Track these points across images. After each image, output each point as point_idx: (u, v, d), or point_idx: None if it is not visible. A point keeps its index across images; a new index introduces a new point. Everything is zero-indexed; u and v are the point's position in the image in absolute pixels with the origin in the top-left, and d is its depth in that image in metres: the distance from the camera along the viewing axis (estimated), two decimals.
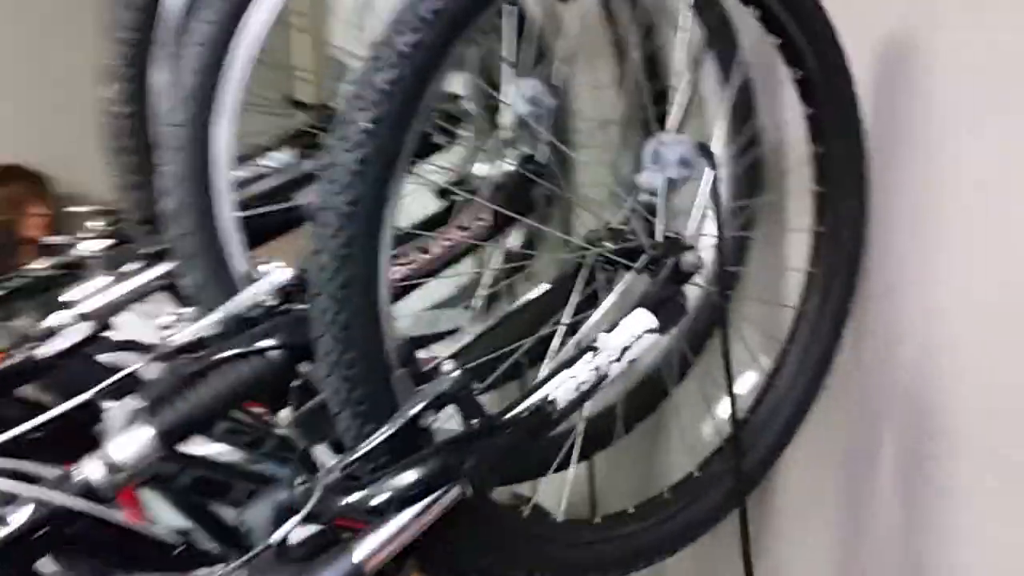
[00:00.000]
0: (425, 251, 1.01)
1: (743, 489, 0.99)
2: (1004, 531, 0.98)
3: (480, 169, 1.16)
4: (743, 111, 1.16)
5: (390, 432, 0.75)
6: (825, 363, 1.09)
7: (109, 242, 1.24)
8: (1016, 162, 0.94)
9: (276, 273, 0.97)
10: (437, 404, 0.76)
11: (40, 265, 1.43)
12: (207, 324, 0.93)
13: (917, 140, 1.04)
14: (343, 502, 0.75)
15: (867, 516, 1.12)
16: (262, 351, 0.92)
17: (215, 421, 0.91)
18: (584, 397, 0.80)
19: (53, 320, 1.01)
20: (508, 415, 0.78)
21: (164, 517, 1.16)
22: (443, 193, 1.25)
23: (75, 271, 1.35)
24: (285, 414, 0.90)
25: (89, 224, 1.31)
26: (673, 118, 0.95)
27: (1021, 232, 0.94)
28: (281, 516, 0.88)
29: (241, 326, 0.95)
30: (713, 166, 0.93)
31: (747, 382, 1.10)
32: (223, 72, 0.97)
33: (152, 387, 0.92)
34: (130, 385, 0.93)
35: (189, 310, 1.02)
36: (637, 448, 1.28)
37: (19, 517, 0.83)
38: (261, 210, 1.04)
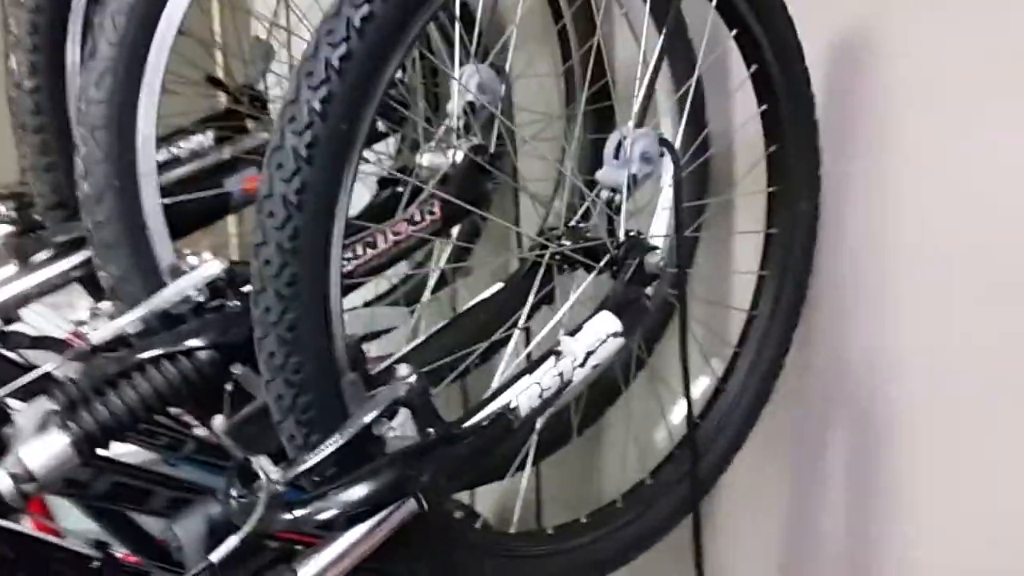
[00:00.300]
0: (372, 245, 0.95)
1: (698, 495, 0.96)
2: (948, 529, 0.98)
3: (427, 159, 1.11)
4: (695, 109, 1.13)
5: (341, 443, 0.69)
6: (776, 367, 1.07)
7: (14, 228, 1.14)
8: (968, 157, 0.93)
9: (205, 266, 0.89)
10: (391, 411, 0.70)
11: None
12: (129, 320, 0.85)
13: (869, 135, 1.03)
14: (287, 516, 0.69)
15: (813, 517, 1.11)
16: (190, 351, 0.85)
17: (137, 427, 0.83)
18: (547, 404, 0.76)
19: None
20: (468, 423, 0.73)
21: (76, 525, 1.08)
22: (384, 183, 1.19)
23: None
24: (218, 421, 0.83)
25: None
26: (636, 112, 0.91)
27: (972, 230, 0.94)
28: (217, 531, 0.81)
29: (167, 323, 0.88)
30: (677, 161, 0.90)
31: (699, 386, 1.07)
32: (148, 44, 0.89)
33: (67, 388, 0.84)
34: (42, 385, 0.85)
35: (106, 304, 0.94)
36: (579, 455, 1.24)
37: None
38: (187, 196, 0.96)
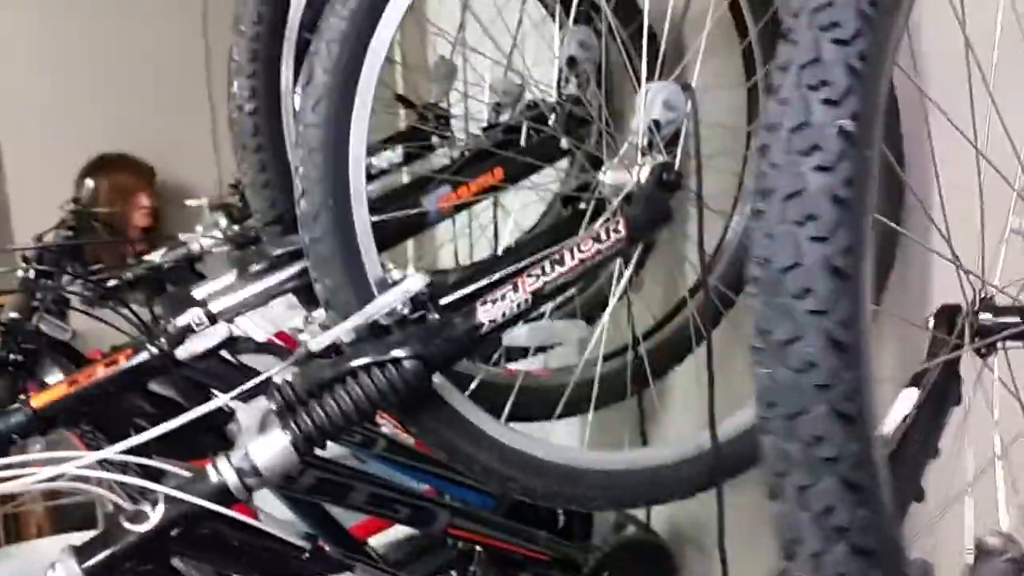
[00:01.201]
0: (559, 263, 0.98)
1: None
2: None
3: (610, 176, 1.13)
4: None
5: None
6: None
7: (232, 237, 1.25)
8: None
9: (410, 280, 0.95)
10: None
11: (156, 256, 1.45)
12: (345, 330, 0.91)
13: None
14: None
15: None
16: (397, 360, 0.91)
17: (350, 431, 0.90)
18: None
19: (186, 318, 1.01)
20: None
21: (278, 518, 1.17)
22: (567, 201, 1.23)
23: (193, 264, 1.36)
24: None
25: (210, 218, 1.32)
26: None
27: None
28: None
29: (374, 333, 0.94)
30: None
31: None
32: (360, 70, 0.95)
33: (285, 390, 0.92)
34: (262, 387, 0.93)
35: (320, 312, 1.02)
36: None
37: (154, 516, 0.84)
38: (393, 215, 1.03)
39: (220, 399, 0.83)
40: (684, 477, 1.12)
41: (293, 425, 0.87)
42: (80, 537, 0.84)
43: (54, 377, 1.19)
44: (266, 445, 0.87)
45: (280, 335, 1.13)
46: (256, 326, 1.00)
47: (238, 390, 0.85)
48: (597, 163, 1.18)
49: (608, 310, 1.16)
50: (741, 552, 1.13)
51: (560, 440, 1.33)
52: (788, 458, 0.48)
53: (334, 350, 0.94)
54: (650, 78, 1.11)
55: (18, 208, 2.89)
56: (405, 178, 1.49)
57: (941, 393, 0.69)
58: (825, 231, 0.48)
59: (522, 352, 1.32)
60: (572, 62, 1.30)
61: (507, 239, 1.56)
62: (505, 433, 1.04)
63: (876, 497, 0.48)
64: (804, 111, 0.49)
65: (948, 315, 0.72)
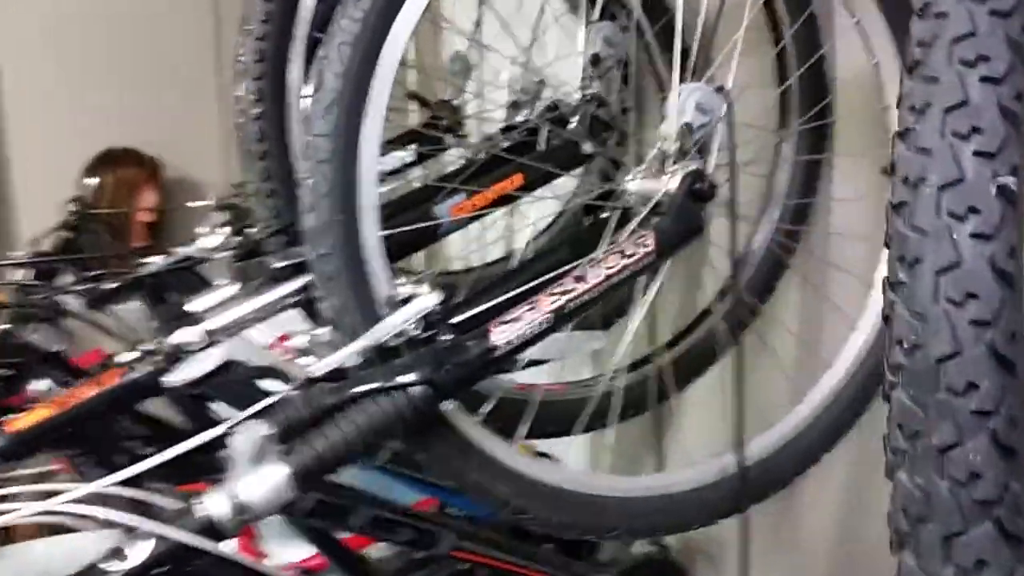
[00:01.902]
0: (582, 279, 0.91)
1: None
2: None
3: (636, 184, 1.06)
4: None
5: None
6: None
7: (233, 246, 1.18)
8: None
9: (420, 300, 0.89)
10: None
11: (158, 261, 1.39)
12: (348, 354, 0.85)
13: None
14: None
15: None
16: (404, 386, 0.84)
17: (352, 462, 0.83)
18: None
19: (180, 337, 0.94)
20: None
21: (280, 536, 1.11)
22: (589, 210, 1.16)
23: (195, 269, 1.29)
24: None
25: (213, 220, 1.25)
26: None
27: None
28: None
29: (382, 355, 0.87)
30: None
31: None
32: (373, 75, 0.89)
33: (283, 415, 0.85)
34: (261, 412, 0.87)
35: (324, 330, 0.95)
36: None
37: (139, 553, 0.78)
38: (404, 229, 0.96)
39: (214, 431, 0.76)
40: (708, 503, 1.06)
41: (290, 456, 0.81)
42: (73, 539, 0.78)
43: (45, 388, 1.13)
44: (263, 477, 0.80)
45: (284, 338, 1.07)
46: (256, 347, 0.94)
47: (234, 421, 0.78)
48: (616, 170, 1.11)
49: (633, 326, 1.09)
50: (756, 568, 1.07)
51: (568, 460, 1.27)
52: None
53: (341, 375, 0.87)
54: (681, 79, 1.04)
55: (24, 201, 2.84)
56: (417, 181, 1.42)
57: None
58: (989, 313, 0.40)
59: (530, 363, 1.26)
60: (596, 60, 1.23)
61: (518, 244, 1.48)
62: (519, 460, 0.98)
63: None
64: (954, 165, 0.41)
65: None
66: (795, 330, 1.28)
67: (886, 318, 0.42)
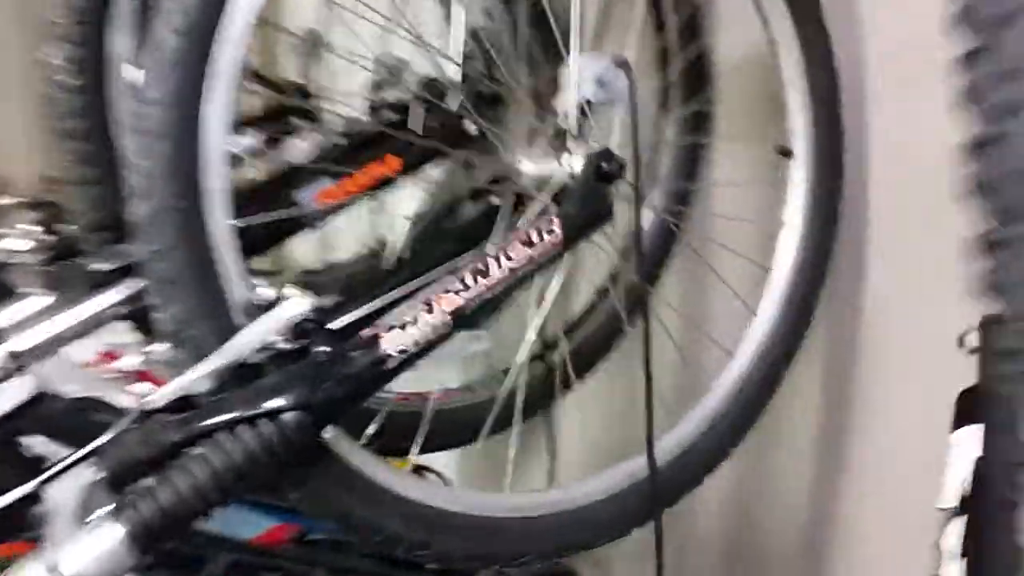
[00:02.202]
0: (483, 273, 0.78)
1: None
2: None
3: (532, 166, 0.94)
4: None
5: None
6: None
7: (43, 247, 0.98)
8: None
9: (287, 305, 0.72)
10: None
11: None
12: (196, 378, 0.68)
13: None
14: None
15: None
16: (273, 413, 0.68)
17: (207, 514, 0.66)
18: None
19: None
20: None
21: None
22: (476, 195, 1.02)
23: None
24: None
25: (19, 224, 1.04)
26: None
27: None
28: None
29: (241, 375, 0.70)
30: None
31: None
32: (219, 32, 0.72)
33: (114, 458, 0.68)
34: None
35: (160, 347, 0.77)
36: None
37: None
38: (260, 218, 0.79)
39: (18, 491, 0.58)
40: (620, 513, 0.95)
41: (129, 510, 0.63)
42: None
43: None
44: (91, 542, 0.62)
45: (110, 358, 0.87)
46: (77, 371, 0.75)
47: (52, 471, 0.60)
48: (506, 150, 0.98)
49: (535, 322, 0.96)
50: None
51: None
52: None
53: (185, 401, 0.70)
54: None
55: None
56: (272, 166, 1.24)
57: None
58: None
59: None
60: (476, 34, 1.09)
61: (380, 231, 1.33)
62: (410, 485, 0.83)
63: None
64: None
65: None
66: (692, 319, 1.20)
67: None
